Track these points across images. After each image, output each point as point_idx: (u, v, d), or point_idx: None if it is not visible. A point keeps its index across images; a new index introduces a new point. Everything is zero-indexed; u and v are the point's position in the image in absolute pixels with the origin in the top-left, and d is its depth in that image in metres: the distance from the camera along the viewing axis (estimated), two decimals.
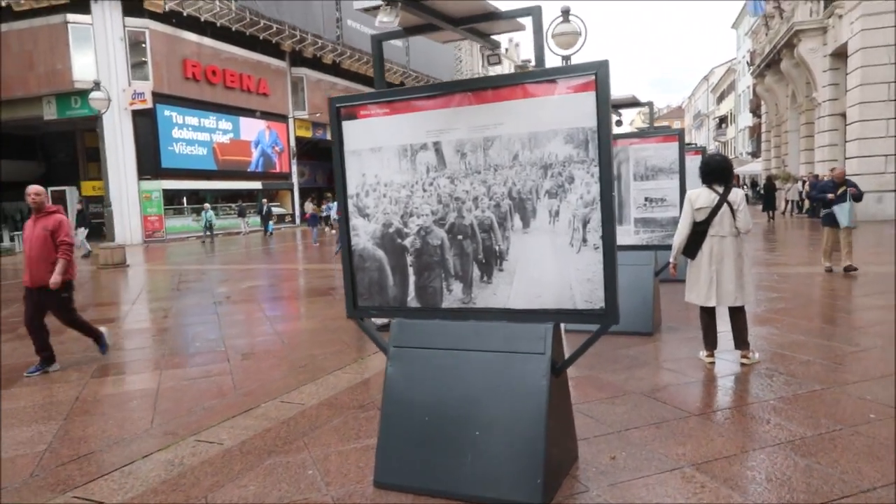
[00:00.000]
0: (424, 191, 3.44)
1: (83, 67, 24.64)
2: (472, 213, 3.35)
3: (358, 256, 3.64)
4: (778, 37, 29.20)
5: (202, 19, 27.43)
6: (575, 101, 3.04)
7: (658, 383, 4.93)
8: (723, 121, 63.40)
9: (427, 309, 3.52)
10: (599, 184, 3.04)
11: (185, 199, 29.62)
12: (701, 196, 5.28)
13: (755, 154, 46.14)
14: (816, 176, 23.33)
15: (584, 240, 3.12)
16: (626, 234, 6.79)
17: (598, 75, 2.96)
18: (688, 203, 5.33)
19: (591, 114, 3.00)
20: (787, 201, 28.03)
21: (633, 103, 6.93)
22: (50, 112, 26.29)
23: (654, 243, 6.68)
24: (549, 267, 3.20)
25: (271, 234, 29.06)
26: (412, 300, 3.55)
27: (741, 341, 5.40)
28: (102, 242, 18.05)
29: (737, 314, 5.40)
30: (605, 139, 3.01)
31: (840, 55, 24.29)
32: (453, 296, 3.45)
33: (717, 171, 5.32)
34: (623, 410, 4.37)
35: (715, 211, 5.22)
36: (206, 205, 25.97)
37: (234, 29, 29.06)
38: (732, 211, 5.20)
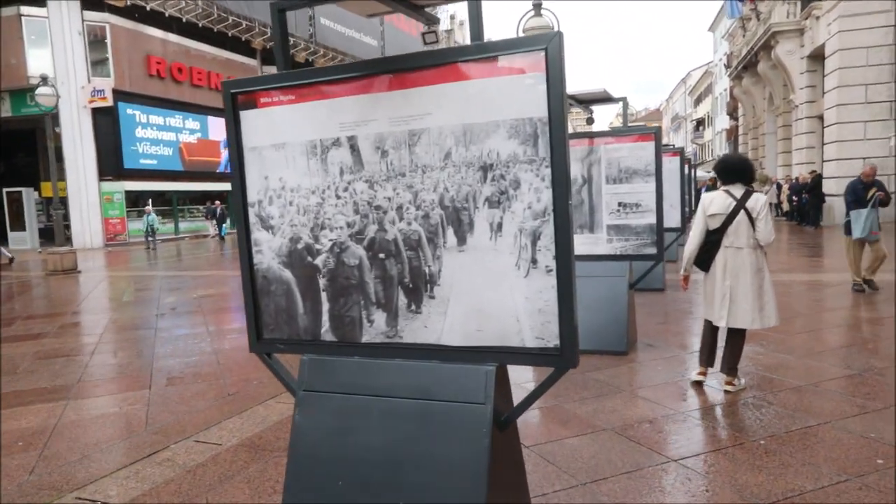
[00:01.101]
0: (338, 197, 2.76)
1: (39, 63, 23.53)
2: (396, 225, 2.67)
3: (262, 278, 2.95)
4: (755, 39, 28.96)
5: (167, 14, 26.44)
6: (520, 84, 2.38)
7: (631, 417, 4.29)
8: (700, 123, 63.47)
9: (344, 344, 2.84)
10: (552, 189, 2.39)
11: (150, 201, 28.56)
12: (715, 201, 4.66)
13: None
14: (796, 179, 23.04)
15: (534, 260, 2.47)
16: (598, 243, 6.17)
17: (548, 51, 2.31)
18: (700, 208, 4.75)
19: (541, 100, 2.35)
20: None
21: (604, 98, 6.31)
22: (5, 109, 25.17)
23: (629, 252, 6.06)
24: (490, 294, 2.54)
25: (223, 237, 27.76)
26: (326, 332, 2.86)
27: (729, 366, 4.78)
28: (51, 247, 17.09)
29: (734, 334, 4.79)
30: (558, 133, 2.35)
31: (817, 57, 24.04)
32: (375, 328, 2.77)
33: (735, 172, 4.71)
34: (590, 453, 3.72)
35: (730, 218, 4.59)
36: (148, 207, 24.40)
37: (201, 25, 28.09)
38: (751, 219, 4.56)
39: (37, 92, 16.23)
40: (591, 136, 6.04)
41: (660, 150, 5.79)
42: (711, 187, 25.37)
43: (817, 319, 7.26)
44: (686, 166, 12.44)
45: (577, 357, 2.46)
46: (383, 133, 2.63)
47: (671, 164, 9.99)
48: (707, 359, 4.92)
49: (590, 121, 6.65)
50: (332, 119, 2.70)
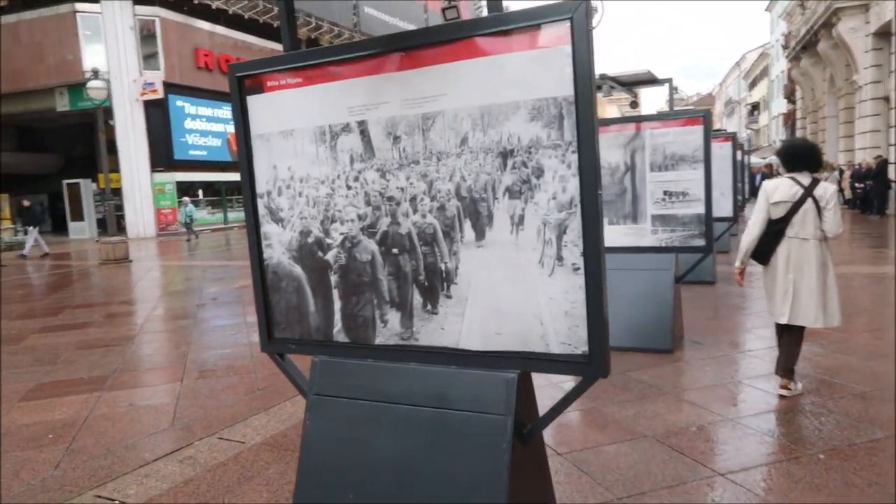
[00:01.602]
0: (348, 188, 2.55)
1: (93, 57, 24.13)
2: (410, 218, 2.45)
3: (272, 274, 2.77)
4: (815, 17, 27.54)
5: (214, 6, 26.76)
6: (542, 59, 2.12)
7: (675, 423, 3.99)
8: (755, 107, 61.15)
9: (357, 345, 2.64)
10: (579, 177, 2.12)
11: (200, 192, 29.11)
12: (780, 188, 4.31)
13: None
14: (859, 165, 21.85)
15: (559, 257, 2.21)
16: (641, 234, 5.83)
17: (573, 21, 2.04)
18: (762, 196, 4.38)
19: (566, 78, 2.08)
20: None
21: (649, 80, 5.93)
22: (63, 103, 25.93)
23: (675, 244, 5.69)
24: (511, 294, 2.30)
25: None
26: (339, 333, 2.67)
27: (786, 368, 4.40)
28: (104, 237, 17.52)
29: (792, 333, 4.41)
30: (586, 114, 2.08)
31: (884, 34, 22.67)
32: (389, 329, 2.56)
33: (801, 157, 4.36)
34: (629, 463, 3.45)
35: (796, 207, 4.24)
36: (185, 199, 24.28)
37: (247, 17, 28.34)
38: (819, 209, 4.21)
39: (88, 86, 16.59)
40: (633, 120, 5.68)
41: (709, 134, 5.41)
42: (767, 175, 24.38)
43: (882, 317, 6.73)
44: (739, 152, 11.85)
45: (608, 365, 2.20)
46: (395, 117, 2.40)
47: (722, 150, 9.48)
48: (781, 367, 4.55)
49: (633, 104, 6.29)
50: (341, 103, 2.50)
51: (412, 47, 2.32)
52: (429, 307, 2.46)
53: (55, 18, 24.73)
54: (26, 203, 20.82)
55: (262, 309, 2.81)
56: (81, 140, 30.84)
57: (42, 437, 4.33)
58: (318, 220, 2.61)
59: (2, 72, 25.61)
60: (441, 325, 2.44)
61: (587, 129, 2.09)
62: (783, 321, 4.34)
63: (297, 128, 2.61)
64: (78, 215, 27.37)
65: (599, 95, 6.25)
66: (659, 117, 5.63)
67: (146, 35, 25.49)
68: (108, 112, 23.92)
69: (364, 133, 2.47)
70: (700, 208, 5.47)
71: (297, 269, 2.70)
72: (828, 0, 25.09)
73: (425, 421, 2.42)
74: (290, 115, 2.61)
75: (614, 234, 5.91)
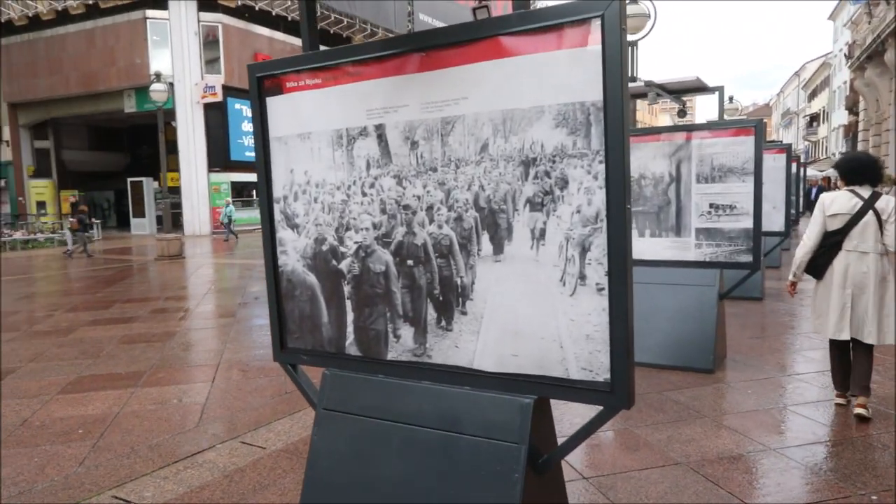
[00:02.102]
0: (364, 195, 2.39)
1: (160, 61, 24.85)
2: (426, 228, 2.28)
3: (286, 281, 2.64)
4: (883, 24, 26.26)
5: (274, 13, 27.22)
6: (570, 61, 1.92)
7: (712, 450, 3.70)
8: (814, 119, 58.82)
9: (368, 360, 2.48)
10: (605, 190, 1.92)
11: (254, 192, 29.59)
12: (837, 200, 4.08)
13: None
14: None
15: (582, 276, 2.00)
16: (685, 248, 5.51)
17: (605, 19, 1.84)
18: (819, 208, 4.13)
19: (595, 81, 1.88)
20: None
21: (697, 87, 5.61)
22: (130, 105, 26.78)
23: (720, 259, 5.36)
24: (529, 313, 2.10)
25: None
26: (351, 345, 2.52)
27: (862, 385, 4.14)
28: (161, 234, 17.94)
29: (863, 350, 4.15)
30: (615, 121, 1.87)
31: None
32: (401, 344, 2.39)
33: (862, 170, 4.13)
34: (658, 493, 3.19)
35: (856, 219, 4.01)
36: (228, 199, 24.40)
37: None
38: (880, 222, 3.98)
39: (151, 88, 17.01)
40: (680, 129, 5.38)
41: (760, 145, 5.07)
42: (823, 188, 23.31)
43: None
44: (794, 164, 11.29)
45: (632, 395, 1.98)
46: (413, 121, 2.24)
47: (776, 163, 9.00)
48: (843, 382, 4.32)
49: (681, 113, 5.98)
50: (359, 105, 2.35)
51: (433, 47, 2.15)
52: (443, 323, 2.28)
53: (127, 24, 25.58)
54: (72, 199, 20.89)
55: (275, 317, 2.69)
56: (147, 140, 31.79)
57: (73, 431, 4.32)
58: (333, 227, 2.47)
59: (76, 74, 26.66)
60: (455, 342, 2.26)
61: (616, 137, 1.88)
62: (842, 337, 4.10)
63: (314, 130, 2.47)
64: (140, 212, 28.21)
65: (646, 103, 5.96)
66: (708, 126, 5.32)
67: (209, 41, 26.10)
68: (170, 114, 24.62)
69: (381, 137, 2.31)
70: (748, 223, 5.13)
71: (311, 278, 2.56)
72: None
73: (435, 444, 2.24)
74: (308, 118, 2.48)
75: (656, 247, 5.62)
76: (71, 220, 18.81)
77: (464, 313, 2.23)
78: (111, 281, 12.29)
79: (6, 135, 29.94)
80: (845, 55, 39.66)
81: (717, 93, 5.77)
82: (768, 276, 9.34)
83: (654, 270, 5.65)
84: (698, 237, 5.41)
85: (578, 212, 1.99)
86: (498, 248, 2.14)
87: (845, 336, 4.08)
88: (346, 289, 2.47)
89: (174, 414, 4.60)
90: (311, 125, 2.47)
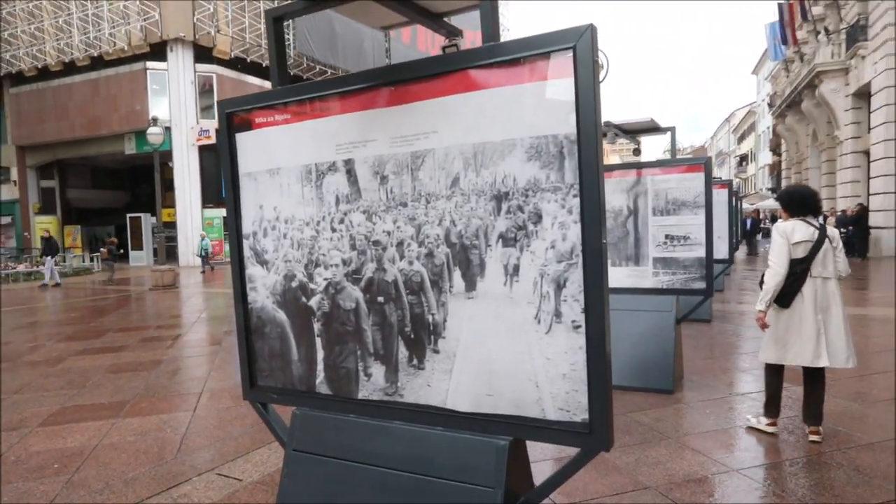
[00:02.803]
0: (334, 230, 2.11)
1: (158, 108, 24.38)
2: (396, 264, 2.00)
3: (256, 318, 2.33)
4: (799, 78, 27.03)
5: (264, 65, 26.97)
6: (542, 93, 1.68)
7: (678, 473, 3.43)
8: (743, 159, 60.27)
9: (339, 399, 2.17)
10: (581, 224, 1.67)
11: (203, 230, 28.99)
12: (797, 229, 3.83)
13: (774, 190, 43.35)
14: (843, 211, 21.07)
15: (558, 313, 1.74)
16: (643, 276, 5.32)
17: (577, 51, 1.61)
18: (782, 237, 3.80)
19: (568, 113, 1.64)
20: None
21: (652, 128, 5.48)
22: (130, 147, 26.18)
23: (676, 286, 5.17)
24: (503, 352, 1.82)
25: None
26: (321, 384, 2.21)
27: (815, 415, 3.88)
28: (154, 265, 17.31)
29: (817, 378, 3.89)
30: (589, 154, 1.64)
31: (863, 94, 22.09)
32: (372, 383, 2.09)
33: (806, 202, 3.90)
34: None
35: (818, 246, 3.78)
36: (202, 232, 23.38)
37: (292, 73, 28.54)
38: (833, 249, 3.84)
39: (148, 132, 16.57)
40: (637, 166, 5.22)
41: (710, 181, 4.92)
42: (756, 220, 23.60)
43: (874, 360, 6.08)
44: (734, 199, 11.30)
45: (611, 436, 1.70)
46: (383, 155, 1.97)
47: (720, 197, 8.94)
48: (776, 407, 4.02)
49: (636, 151, 5.82)
50: (328, 140, 2.07)
51: (401, 81, 1.90)
52: (415, 361, 1.99)
53: (129, 74, 25.11)
54: (45, 235, 19.12)
55: (244, 354, 2.37)
56: (145, 179, 31.06)
57: (48, 466, 3.88)
58: (303, 263, 2.18)
59: (81, 120, 26.05)
60: (428, 381, 1.97)
61: (591, 170, 1.64)
62: (820, 364, 3.74)
63: (283, 166, 2.19)
64: (138, 245, 27.48)
65: (604, 142, 5.80)
66: (661, 164, 5.16)
67: (205, 89, 25.72)
68: (167, 155, 24.11)
69: (350, 172, 2.05)
70: (701, 252, 4.96)
71: (281, 315, 2.26)
72: (811, 64, 24.62)
73: (407, 488, 1.93)
74: (277, 153, 2.20)
75: (617, 276, 5.41)
76: (102, 249, 18.87)
77: (436, 351, 1.94)
78: (106, 311, 11.71)
79: (14, 175, 29.06)
80: (768, 104, 40.83)
81: (668, 133, 5.65)
82: (714, 300, 9.20)
83: (616, 297, 5.42)
84: (655, 266, 5.22)
85: (553, 247, 1.73)
86: (470, 285, 1.87)
87: (823, 363, 3.74)
88: (316, 326, 2.17)
89: (153, 445, 4.18)
90: (281, 161, 2.19)
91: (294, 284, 2.21)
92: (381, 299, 2.03)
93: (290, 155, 2.16)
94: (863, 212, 19.06)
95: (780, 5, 27.96)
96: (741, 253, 22.70)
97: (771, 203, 40.83)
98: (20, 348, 7.94)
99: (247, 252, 2.32)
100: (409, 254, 1.96)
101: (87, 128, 26.17)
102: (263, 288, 2.29)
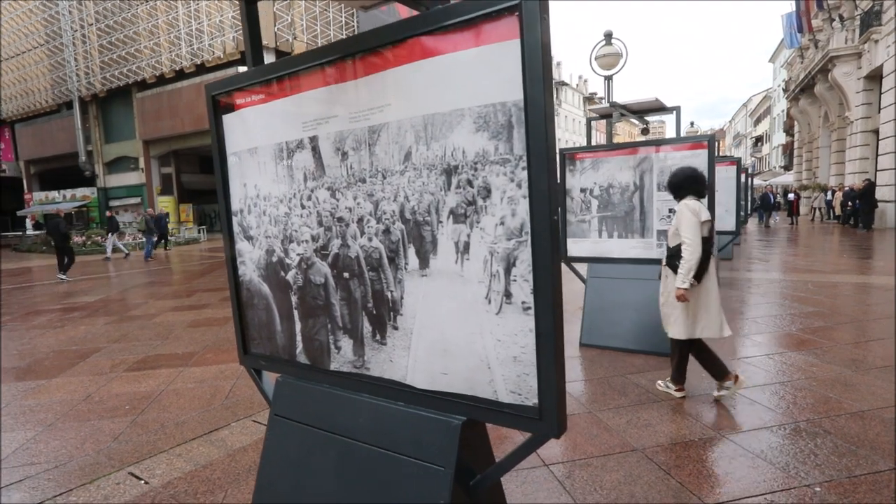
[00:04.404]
0: (303, 207, 1.81)
1: None
2: (358, 240, 1.69)
3: (246, 290, 2.08)
4: (813, 64, 24.62)
5: None
6: (487, 58, 1.30)
7: (666, 436, 3.03)
8: (759, 140, 56.21)
9: (316, 369, 1.90)
10: (529, 200, 1.30)
11: None
12: (703, 209, 3.35)
13: (787, 167, 40.27)
14: (851, 187, 19.25)
15: (508, 293, 1.39)
16: (648, 247, 4.81)
17: (523, 10, 1.21)
18: (693, 216, 3.29)
19: (514, 78, 1.26)
20: (813, 209, 23.64)
21: (657, 108, 4.88)
22: None
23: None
24: (456, 331, 1.49)
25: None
26: (300, 354, 1.94)
27: (724, 371, 3.50)
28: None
29: (705, 343, 3.56)
30: (537, 122, 1.25)
31: (874, 77, 19.90)
32: (342, 356, 1.81)
33: (700, 182, 3.42)
34: (612, 482, 2.55)
35: (713, 227, 3.39)
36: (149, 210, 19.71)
37: None
38: None
39: None
40: (643, 144, 4.67)
41: (713, 157, 4.33)
42: (769, 195, 21.89)
43: (871, 327, 5.37)
44: (743, 175, 10.34)
45: (563, 422, 1.35)
46: (343, 131, 1.64)
47: (728, 173, 8.13)
48: (683, 375, 3.60)
49: (645, 131, 5.23)
50: (296, 118, 1.75)
51: (360, 52, 1.55)
52: (378, 336, 1.68)
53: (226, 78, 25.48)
54: (108, 213, 17.47)
55: (238, 323, 2.13)
56: None
57: (121, 407, 3.86)
58: (280, 239, 1.90)
59: (190, 117, 26.75)
60: (390, 356, 1.66)
61: (539, 141, 1.26)
62: (726, 334, 3.39)
63: (259, 145, 1.89)
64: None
65: (614, 122, 5.26)
66: (667, 142, 4.59)
67: None
68: None
69: (315, 149, 1.73)
70: None
71: (265, 288, 1.99)
72: (825, 50, 22.33)
73: (370, 461, 1.65)
74: (254, 132, 1.91)
75: (624, 247, 4.93)
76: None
77: (395, 328, 1.63)
78: (202, 273, 12.00)
79: (141, 164, 30.34)
80: (783, 90, 37.66)
81: (674, 112, 5.03)
82: (721, 268, 8.50)
83: (622, 267, 4.98)
84: (659, 238, 4.70)
85: (502, 223, 1.37)
86: (424, 262, 1.54)
87: (727, 333, 3.37)
88: (293, 299, 1.90)
89: (207, 392, 4.10)
90: (257, 140, 1.90)
91: (274, 259, 1.93)
92: (346, 275, 1.73)
93: (265, 134, 1.86)
94: (870, 187, 17.30)
95: None
96: (752, 225, 21.21)
97: (783, 179, 38.03)
98: (128, 304, 8.17)
99: (236, 228, 2.06)
100: (368, 230, 1.64)
101: (194, 123, 26.83)
102: (251, 262, 2.03)
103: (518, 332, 1.37)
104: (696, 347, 3.51)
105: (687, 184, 3.41)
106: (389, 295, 1.62)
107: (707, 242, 3.31)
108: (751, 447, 2.87)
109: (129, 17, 27.92)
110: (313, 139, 1.72)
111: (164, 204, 30.17)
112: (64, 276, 11.47)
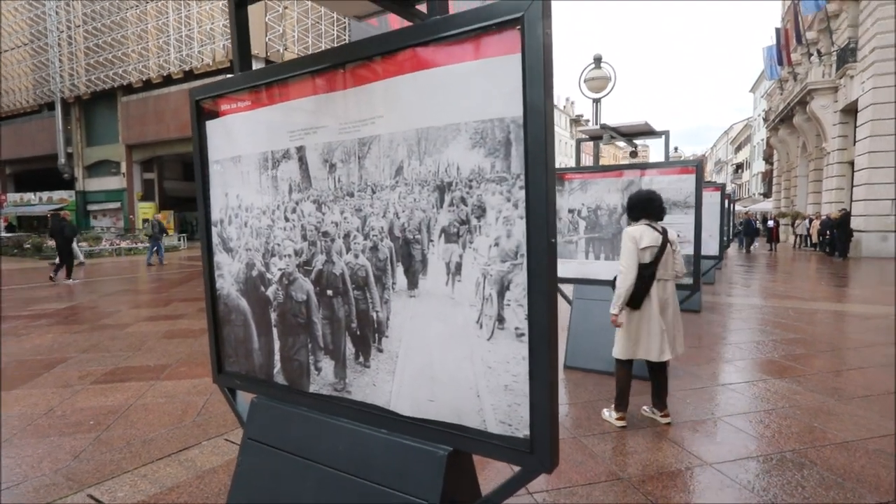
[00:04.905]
0: (287, 220, 1.73)
1: None
2: (343, 257, 1.61)
3: (223, 305, 1.98)
4: (792, 95, 25.39)
5: None
6: (487, 71, 1.25)
7: (653, 465, 2.97)
8: (739, 167, 57.61)
9: (293, 391, 1.80)
10: (526, 221, 1.24)
11: None
12: (645, 234, 3.35)
13: (766, 195, 41.25)
14: (828, 215, 19.74)
15: (501, 318, 1.32)
16: None
17: (525, 22, 1.17)
18: (631, 242, 3.32)
19: (514, 94, 1.21)
20: (797, 236, 24.15)
21: (646, 131, 4.92)
22: None
23: None
24: (444, 356, 1.42)
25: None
26: (278, 374, 1.84)
27: (664, 402, 3.53)
28: None
29: (662, 368, 3.53)
30: (536, 140, 1.20)
31: (849, 111, 20.57)
32: (322, 378, 1.71)
33: (655, 205, 3.41)
34: None
35: (662, 250, 3.35)
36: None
37: None
38: (673, 252, 3.42)
39: None
40: (631, 167, 4.68)
41: (700, 182, 4.36)
42: (751, 221, 22.30)
43: (851, 355, 5.41)
44: (727, 201, 10.50)
45: (555, 457, 1.27)
46: (332, 143, 1.57)
47: (713, 199, 8.24)
48: (626, 402, 3.54)
49: (633, 154, 5.27)
50: (282, 127, 1.68)
51: (352, 62, 1.49)
52: (361, 359, 1.60)
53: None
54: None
55: (213, 339, 2.02)
56: None
57: (85, 422, 3.67)
58: (261, 252, 1.81)
59: (175, 123, 26.47)
60: (373, 380, 1.58)
61: (538, 159, 1.20)
62: (664, 358, 3.37)
63: (243, 154, 1.81)
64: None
65: (601, 144, 5.29)
66: (655, 165, 4.61)
67: None
68: None
69: (302, 160, 1.65)
70: (690, 250, 4.41)
71: (244, 303, 1.90)
72: (803, 83, 23.06)
73: (349, 492, 1.55)
74: (238, 140, 1.83)
75: (610, 269, 4.91)
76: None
77: (380, 350, 1.55)
78: (179, 283, 11.72)
79: (123, 168, 29.83)
80: (763, 119, 38.76)
81: (662, 136, 5.07)
82: (704, 292, 8.56)
83: (608, 289, 4.94)
84: None
85: (497, 244, 1.31)
86: (412, 283, 1.46)
87: (667, 357, 3.35)
88: (273, 316, 1.80)
89: (178, 408, 3.93)
90: (241, 148, 1.82)
91: (254, 273, 1.84)
92: (329, 293, 1.64)
93: (250, 142, 1.79)
94: (846, 217, 17.77)
95: (777, 30, 26.29)
96: (732, 250, 21.55)
97: (762, 206, 38.91)
98: (101, 312, 7.90)
99: (215, 239, 1.96)
100: (354, 246, 1.56)
101: (180, 129, 26.53)
102: (229, 275, 1.93)
103: (510, 360, 1.30)
104: (650, 370, 3.53)
105: (639, 206, 3.41)
106: (375, 315, 1.54)
107: (648, 267, 3.31)
108: (738, 477, 2.82)
109: (118, 20, 27.68)
110: (300, 149, 1.65)
111: (145, 210, 29.66)
112: (70, 281, 11.59)
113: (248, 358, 1.92)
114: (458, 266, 1.37)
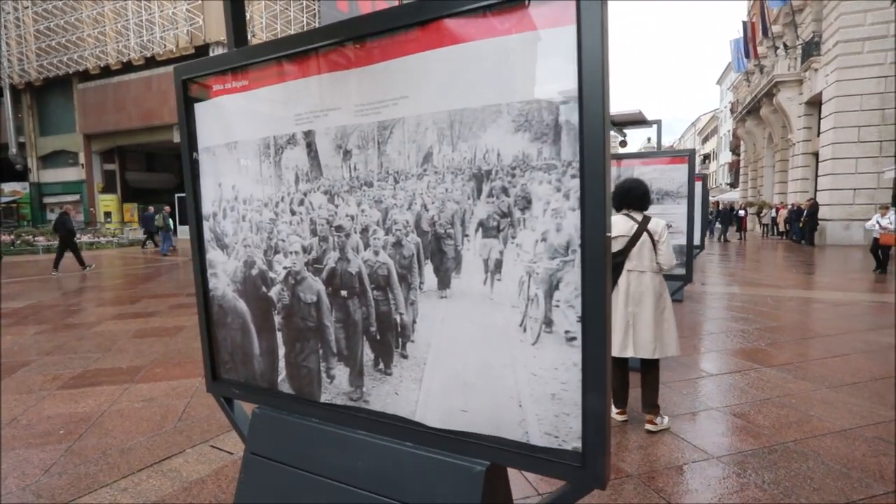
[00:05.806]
0: (293, 213, 1.57)
1: None
2: (360, 254, 1.46)
3: (217, 307, 1.80)
4: (759, 88, 26.03)
5: None
6: (534, 45, 1.11)
7: (660, 459, 2.92)
8: (706, 157, 59.06)
9: (301, 400, 1.65)
10: (580, 212, 1.12)
11: None
12: (617, 223, 3.25)
13: (733, 185, 42.40)
14: (794, 205, 20.37)
15: (548, 321, 1.20)
16: None
17: None
18: None
19: (568, 72, 1.08)
20: (763, 225, 24.89)
21: (640, 121, 4.87)
22: (176, 136, 25.55)
23: None
24: (481, 362, 1.29)
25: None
26: (283, 382, 1.68)
27: (651, 403, 3.34)
28: None
29: (649, 369, 3.36)
30: (594, 124, 1.07)
31: (814, 103, 21.22)
32: (336, 386, 1.56)
33: (635, 196, 3.28)
34: None
35: (634, 240, 3.21)
36: (167, 208, 19.78)
37: None
38: (654, 243, 3.21)
39: None
40: (623, 157, 4.63)
41: (693, 172, 4.33)
42: (726, 210, 22.81)
43: (836, 342, 5.53)
44: (707, 191, 10.66)
45: (607, 471, 1.17)
46: (346, 126, 1.40)
47: (696, 189, 8.33)
48: (623, 399, 3.45)
49: (623, 143, 5.22)
50: (287, 109, 1.50)
51: (368, 36, 1.33)
52: (381, 366, 1.45)
53: None
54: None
55: (206, 345, 1.84)
56: None
57: (54, 432, 3.41)
58: (262, 249, 1.64)
59: (137, 112, 25.40)
60: (395, 389, 1.44)
61: (595, 144, 1.07)
62: (626, 354, 3.24)
63: (241, 139, 1.63)
64: (185, 221, 27.02)
65: None
66: (647, 155, 4.57)
67: None
68: None
69: (311, 146, 1.49)
70: (682, 240, 4.39)
71: (242, 305, 1.72)
72: (770, 75, 23.65)
73: None
74: (234, 125, 1.64)
75: None
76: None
77: (404, 356, 1.41)
78: (148, 278, 11.24)
79: (81, 159, 28.52)
80: (730, 110, 39.68)
81: (654, 125, 5.04)
82: None
83: None
84: None
85: (544, 240, 1.18)
86: (444, 282, 1.32)
87: (630, 353, 3.23)
88: (277, 319, 1.64)
89: (157, 413, 3.70)
90: (238, 133, 1.63)
91: (254, 272, 1.67)
92: (344, 293, 1.49)
93: (248, 127, 1.60)
94: (814, 207, 18.40)
95: (743, 23, 26.84)
96: (710, 240, 22.07)
97: (729, 195, 39.96)
98: (65, 311, 7.47)
99: (207, 235, 1.78)
100: (374, 242, 1.41)
101: (141, 119, 25.52)
102: (224, 274, 1.75)
103: (559, 366, 1.18)
104: (640, 366, 3.40)
105: (618, 196, 3.29)
106: (398, 318, 1.39)
107: (616, 256, 3.21)
108: (747, 471, 2.79)
109: (70, 2, 26.27)
110: (308, 134, 1.48)
111: (106, 203, 28.49)
112: (85, 271, 12.15)
113: (248, 364, 1.75)
114: (499, 263, 1.24)
